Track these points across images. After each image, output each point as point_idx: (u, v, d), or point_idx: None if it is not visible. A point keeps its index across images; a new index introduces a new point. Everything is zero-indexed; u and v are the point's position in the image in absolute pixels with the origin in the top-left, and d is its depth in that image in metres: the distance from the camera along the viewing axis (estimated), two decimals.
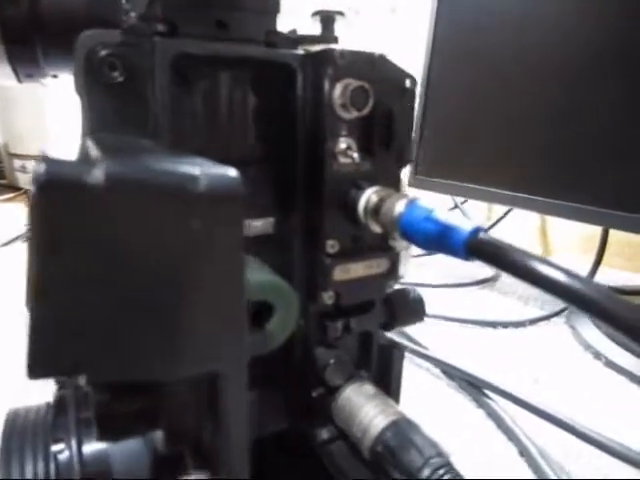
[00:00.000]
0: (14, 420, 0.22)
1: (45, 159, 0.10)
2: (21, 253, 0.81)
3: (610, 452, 0.36)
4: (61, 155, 0.12)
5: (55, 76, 0.28)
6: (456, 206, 0.92)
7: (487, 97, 0.68)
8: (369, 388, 0.24)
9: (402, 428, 0.21)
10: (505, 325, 0.58)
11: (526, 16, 0.63)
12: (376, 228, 0.21)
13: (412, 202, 0.19)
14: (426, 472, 0.19)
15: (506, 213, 0.84)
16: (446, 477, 0.19)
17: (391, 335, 0.27)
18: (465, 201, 0.92)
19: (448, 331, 0.57)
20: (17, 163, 1.16)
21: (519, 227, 0.89)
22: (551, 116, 0.61)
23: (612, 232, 0.66)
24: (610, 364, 0.50)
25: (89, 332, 0.11)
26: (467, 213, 0.91)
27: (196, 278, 0.12)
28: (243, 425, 0.13)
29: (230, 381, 0.13)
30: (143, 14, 0.20)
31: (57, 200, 0.10)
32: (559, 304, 0.64)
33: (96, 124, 0.19)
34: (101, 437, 0.15)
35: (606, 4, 0.55)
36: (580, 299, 0.14)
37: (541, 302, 0.67)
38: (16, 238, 0.85)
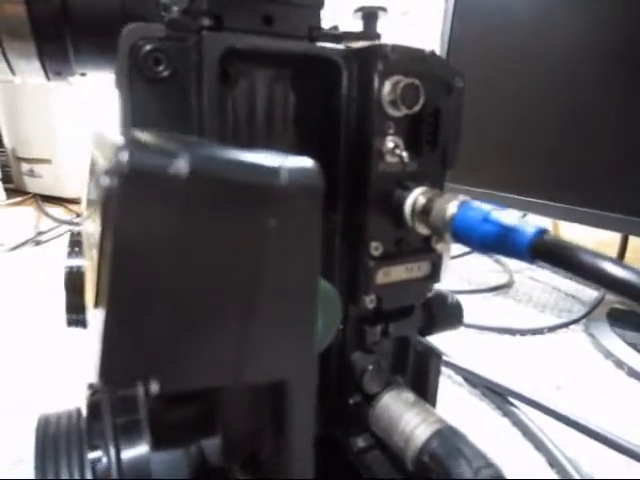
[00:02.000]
0: (45, 427, 0.21)
1: (127, 145, 0.09)
2: (29, 257, 0.80)
3: None
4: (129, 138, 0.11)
5: (84, 74, 0.28)
6: None
7: (502, 101, 0.68)
8: (408, 395, 0.23)
9: (448, 437, 0.21)
10: (523, 332, 0.58)
11: (540, 19, 0.62)
12: (423, 230, 0.20)
13: (465, 203, 0.18)
14: None
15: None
16: None
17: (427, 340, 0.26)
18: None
19: (467, 338, 0.56)
20: (25, 167, 1.16)
21: None
22: (566, 120, 0.61)
23: (631, 239, 0.65)
24: (633, 373, 0.49)
25: (161, 338, 0.10)
26: None
27: (270, 281, 0.11)
28: (309, 435, 0.13)
29: (298, 390, 0.12)
30: (187, 8, 0.20)
31: (141, 192, 0.09)
32: (576, 312, 0.63)
33: (137, 120, 0.19)
34: (156, 446, 0.14)
35: (618, 11, 0.55)
36: None
37: (558, 310, 0.66)
38: (25, 242, 0.84)
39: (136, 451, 0.19)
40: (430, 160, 0.21)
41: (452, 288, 0.69)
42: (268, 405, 0.13)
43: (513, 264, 0.80)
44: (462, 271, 0.78)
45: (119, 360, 0.10)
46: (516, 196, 0.67)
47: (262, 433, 0.14)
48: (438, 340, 0.51)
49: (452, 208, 0.18)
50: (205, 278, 0.10)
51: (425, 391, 0.26)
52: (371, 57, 0.19)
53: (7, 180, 1.16)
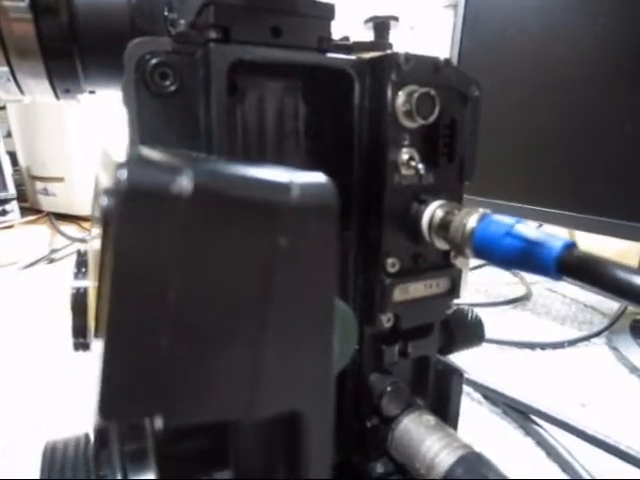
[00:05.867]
0: (52, 454, 0.20)
1: (126, 163, 0.08)
2: (43, 275, 0.80)
3: None
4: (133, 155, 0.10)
5: (92, 92, 0.27)
6: None
7: (514, 111, 0.67)
8: (429, 418, 0.22)
9: (473, 463, 0.20)
10: (543, 347, 0.56)
11: (550, 30, 0.62)
12: (442, 245, 0.19)
13: (486, 216, 0.17)
14: None
15: None
16: None
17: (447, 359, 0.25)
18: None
19: (485, 353, 0.54)
20: (39, 186, 1.17)
21: None
22: (580, 128, 0.60)
23: None
24: None
25: (165, 369, 0.09)
26: None
27: (283, 306, 0.10)
28: (326, 469, 0.12)
29: (314, 422, 0.11)
30: (193, 21, 0.19)
31: (141, 212, 0.08)
32: (597, 324, 0.62)
33: (145, 136, 0.18)
34: (162, 477, 0.13)
35: (631, 19, 0.54)
36: None
37: (578, 322, 0.64)
38: (38, 260, 0.85)
39: (143, 471, 0.18)
40: (447, 172, 0.21)
41: (468, 301, 0.68)
42: (282, 437, 0.12)
43: (530, 275, 0.78)
44: (478, 283, 0.76)
45: (119, 394, 0.09)
46: (530, 206, 0.66)
47: (276, 467, 0.13)
48: (455, 355, 0.49)
49: (472, 222, 0.18)
50: (211, 302, 0.10)
51: (446, 412, 0.25)
52: (384, 67, 0.19)
53: (22, 199, 1.17)
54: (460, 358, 0.49)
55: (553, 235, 0.16)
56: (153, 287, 0.09)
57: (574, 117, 0.60)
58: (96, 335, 0.10)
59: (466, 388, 0.45)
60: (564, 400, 0.45)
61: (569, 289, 0.75)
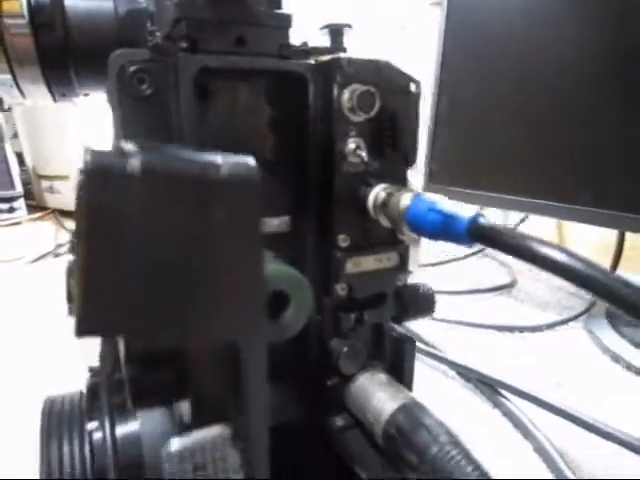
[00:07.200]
0: (51, 406, 0.24)
1: (90, 151, 0.12)
2: (50, 269, 0.84)
3: (633, 449, 0.36)
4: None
5: (87, 95, 0.31)
6: None
7: (499, 106, 0.69)
8: (382, 376, 0.25)
9: (412, 410, 0.23)
10: (522, 330, 0.59)
11: (531, 25, 0.64)
12: (385, 222, 0.22)
13: (417, 195, 0.20)
14: (434, 449, 0.20)
15: (522, 220, 0.84)
16: (453, 452, 0.20)
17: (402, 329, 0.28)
18: (481, 209, 0.92)
19: (465, 336, 0.57)
20: (45, 184, 1.21)
21: (536, 234, 0.88)
22: (564, 122, 0.62)
23: (631, 237, 0.66)
24: (630, 367, 0.50)
25: (129, 300, 0.13)
26: None
27: (218, 256, 0.13)
28: (263, 394, 0.15)
29: (249, 353, 0.14)
30: (169, 33, 0.22)
31: (102, 185, 0.12)
32: (577, 309, 0.64)
33: (128, 134, 0.21)
34: (134, 405, 0.16)
35: (612, 18, 0.56)
36: (578, 276, 0.15)
37: (560, 308, 0.67)
38: (45, 254, 0.88)
39: (129, 427, 0.21)
40: (392, 160, 0.24)
41: (455, 289, 0.70)
42: (227, 367, 0.15)
43: (516, 265, 0.80)
44: (465, 272, 0.79)
45: (92, 316, 0.12)
46: (518, 198, 0.68)
47: (226, 393, 0.16)
48: (434, 337, 0.52)
49: (405, 200, 0.21)
50: (165, 247, 0.13)
51: (402, 375, 0.28)
52: (331, 69, 0.22)
53: (29, 196, 1.22)
54: (440, 341, 0.52)
55: (465, 208, 0.19)
56: (117, 235, 0.12)
57: (559, 109, 0.62)
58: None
59: (441, 366, 0.48)
60: (541, 380, 0.47)
61: (553, 277, 0.77)
